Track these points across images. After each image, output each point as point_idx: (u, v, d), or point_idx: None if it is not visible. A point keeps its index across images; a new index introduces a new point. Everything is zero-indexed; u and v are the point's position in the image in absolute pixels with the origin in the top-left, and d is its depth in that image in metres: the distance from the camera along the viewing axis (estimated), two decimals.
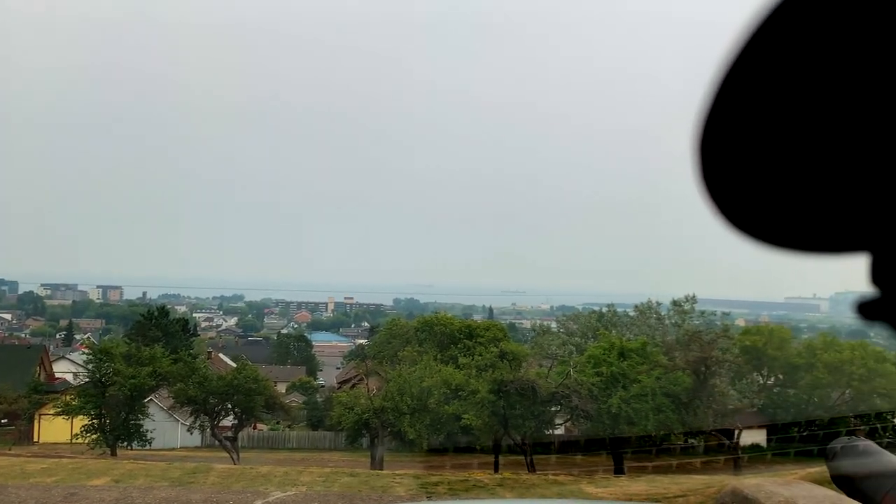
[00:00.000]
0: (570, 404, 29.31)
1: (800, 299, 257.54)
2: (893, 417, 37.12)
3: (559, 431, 34.04)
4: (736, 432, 32.26)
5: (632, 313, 47.67)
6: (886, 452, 2.79)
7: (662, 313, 45.72)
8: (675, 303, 44.78)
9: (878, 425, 35.62)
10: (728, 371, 34.20)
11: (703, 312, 45.22)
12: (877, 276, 0.66)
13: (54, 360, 65.25)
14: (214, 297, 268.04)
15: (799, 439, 34.09)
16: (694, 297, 44.42)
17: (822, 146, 0.58)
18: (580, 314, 52.83)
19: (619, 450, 30.54)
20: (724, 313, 47.90)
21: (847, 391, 35.72)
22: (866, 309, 0.67)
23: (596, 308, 53.51)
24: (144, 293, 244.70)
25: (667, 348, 33.16)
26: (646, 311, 45.88)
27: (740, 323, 70.06)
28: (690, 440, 34.16)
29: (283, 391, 59.70)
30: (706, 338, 32.37)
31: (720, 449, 32.94)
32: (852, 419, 34.97)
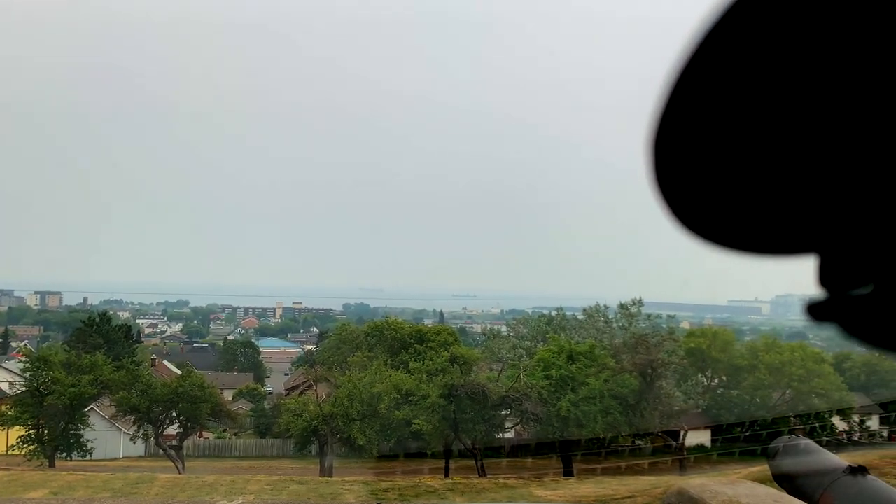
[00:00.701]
0: (520, 408, 29.54)
1: (742, 302, 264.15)
2: (831, 417, 38.40)
3: (509, 435, 34.25)
4: (681, 433, 32.92)
5: (580, 316, 48.19)
6: (825, 451, 2.87)
7: (610, 316, 46.32)
8: (622, 306, 45.41)
9: (817, 424, 36.77)
10: (674, 373, 34.91)
11: (649, 315, 45.97)
12: (824, 277, 0.66)
13: None
14: (159, 303, 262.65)
15: (742, 439, 34.96)
16: (640, 300, 45.16)
17: (770, 148, 0.59)
18: (530, 318, 53.25)
19: (568, 452, 30.86)
20: (669, 316, 48.74)
21: (787, 391, 36.81)
22: (815, 310, 0.68)
23: (545, 311, 53.92)
24: (85, 299, 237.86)
25: (614, 351, 33.64)
26: (594, 314, 46.41)
27: (685, 326, 71.60)
28: (638, 441, 34.70)
29: (230, 398, 58.63)
30: (652, 340, 32.97)
31: (666, 450, 33.57)
32: (792, 419, 36.04)
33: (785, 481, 2.87)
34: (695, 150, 0.61)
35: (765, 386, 36.79)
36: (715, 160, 0.61)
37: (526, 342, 44.67)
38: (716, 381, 39.43)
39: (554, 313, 49.08)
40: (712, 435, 38.25)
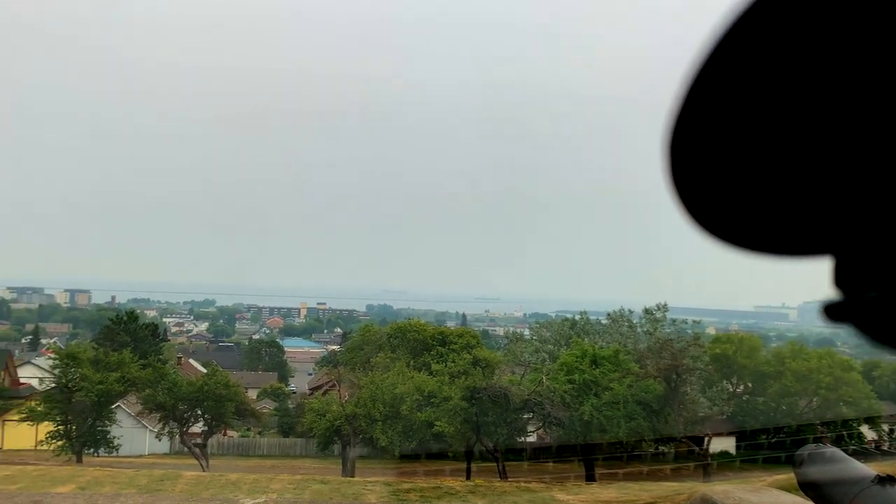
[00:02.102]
0: (543, 411, 29.39)
1: (769, 308, 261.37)
2: (859, 425, 37.75)
3: (531, 439, 34.11)
4: (705, 439, 32.57)
5: (604, 321, 47.91)
6: (852, 459, 2.83)
7: (634, 321, 45.99)
8: (646, 311, 45.08)
9: (844, 433, 36.20)
10: (698, 379, 34.56)
11: (674, 321, 45.58)
12: (839, 278, 0.67)
13: (19, 366, 64.02)
14: (185, 302, 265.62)
15: (767, 446, 34.52)
16: (665, 305, 44.78)
17: (786, 149, 0.59)
18: (553, 321, 53.01)
19: (590, 457, 30.68)
20: (694, 321, 48.33)
21: (814, 399, 36.26)
22: (831, 311, 0.68)
23: (569, 315, 53.68)
24: (113, 297, 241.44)
25: (638, 356, 33.39)
26: (618, 318, 46.12)
27: (711, 331, 70.88)
28: (661, 447, 34.42)
29: (254, 397, 59.16)
30: (677, 346, 32.67)
31: (690, 456, 33.25)
32: (819, 427, 35.52)
33: (811, 490, 2.84)
34: (711, 151, 0.61)
35: (791, 393, 36.28)
36: (732, 161, 0.61)
37: (549, 346, 44.50)
38: (741, 387, 38.98)
39: (578, 317, 48.84)
40: (737, 441, 37.83)
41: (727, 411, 37.69)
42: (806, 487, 2.83)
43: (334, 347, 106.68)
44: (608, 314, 47.67)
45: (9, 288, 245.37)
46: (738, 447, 37.31)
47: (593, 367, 31.17)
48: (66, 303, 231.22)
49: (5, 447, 44.68)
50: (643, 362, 32.13)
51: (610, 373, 30.82)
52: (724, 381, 38.36)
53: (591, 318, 49.27)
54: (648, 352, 33.76)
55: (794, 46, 0.53)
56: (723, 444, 36.90)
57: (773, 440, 34.63)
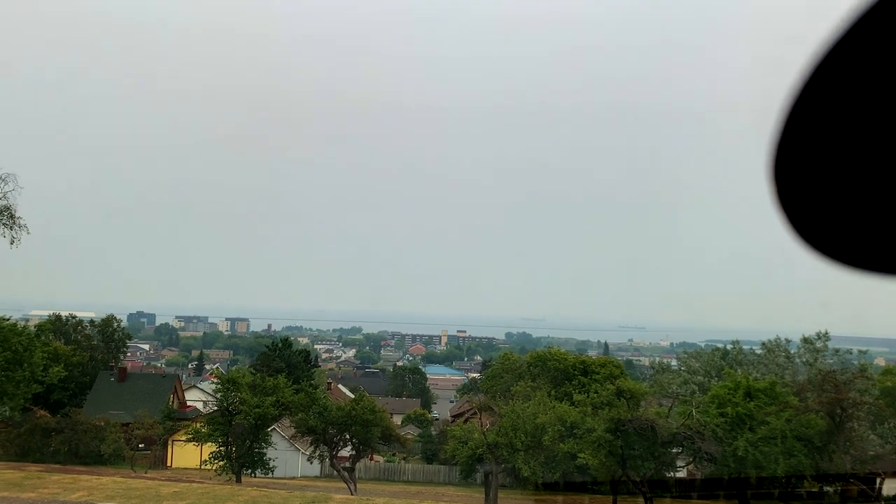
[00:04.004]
0: (693, 446, 28.10)
1: None
2: None
3: (681, 474, 32.69)
4: (878, 480, 29.89)
5: (759, 351, 45.49)
6: None
7: (792, 351, 43.32)
8: (805, 340, 42.34)
9: None
10: (867, 414, 31.89)
11: (836, 350, 42.47)
12: None
13: (186, 389, 68.83)
14: (335, 330, 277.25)
15: None
16: (826, 334, 41.84)
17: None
18: (703, 352, 50.89)
19: (743, 494, 28.97)
20: (860, 351, 44.81)
21: None
22: None
23: (720, 345, 51.36)
24: (269, 325, 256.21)
25: (797, 388, 31.36)
26: (774, 348, 43.60)
27: (880, 362, 65.31)
28: (826, 487, 31.97)
29: (399, 423, 60.46)
30: (841, 378, 30.35)
31: (859, 497, 30.63)
32: None
33: None
34: (820, 171, 0.57)
35: None
36: (841, 179, 0.57)
37: (698, 377, 42.71)
38: None
39: (729, 347, 46.66)
40: None
41: None
42: None
43: (475, 375, 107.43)
44: (762, 343, 45.24)
45: (178, 317, 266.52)
46: None
47: (747, 399, 29.58)
48: (227, 331, 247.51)
49: (174, 465, 48.11)
50: (803, 395, 30.10)
51: (766, 406, 29.14)
52: None
53: (744, 347, 46.91)
54: (809, 384, 31.60)
55: None
56: None
57: None
